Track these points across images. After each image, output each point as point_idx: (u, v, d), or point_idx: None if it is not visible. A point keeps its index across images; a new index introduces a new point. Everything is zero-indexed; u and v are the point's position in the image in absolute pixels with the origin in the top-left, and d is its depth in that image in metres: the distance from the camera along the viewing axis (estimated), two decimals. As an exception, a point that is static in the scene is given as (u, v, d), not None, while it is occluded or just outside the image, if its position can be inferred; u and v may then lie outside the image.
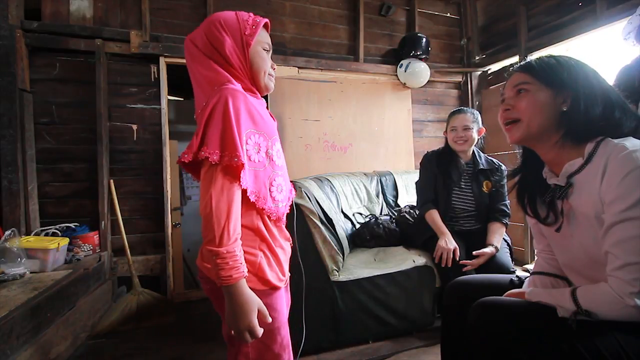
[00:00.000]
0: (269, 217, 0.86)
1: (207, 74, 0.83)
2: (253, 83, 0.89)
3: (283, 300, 0.91)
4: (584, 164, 0.79)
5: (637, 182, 0.68)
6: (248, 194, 0.80)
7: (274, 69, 0.93)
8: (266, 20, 0.90)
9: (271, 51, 0.92)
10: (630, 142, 0.74)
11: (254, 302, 0.77)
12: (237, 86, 0.83)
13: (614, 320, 0.72)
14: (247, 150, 0.80)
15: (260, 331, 0.77)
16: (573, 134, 0.82)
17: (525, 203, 0.96)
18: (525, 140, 0.87)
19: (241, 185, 0.76)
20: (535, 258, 1.08)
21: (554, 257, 0.98)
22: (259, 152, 0.83)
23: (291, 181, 1.00)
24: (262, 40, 0.88)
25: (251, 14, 0.88)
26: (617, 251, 0.71)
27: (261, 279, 0.83)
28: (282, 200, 0.89)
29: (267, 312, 0.79)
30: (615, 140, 0.75)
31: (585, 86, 0.80)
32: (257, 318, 0.77)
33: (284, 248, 0.93)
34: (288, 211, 0.96)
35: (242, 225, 0.81)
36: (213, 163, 0.74)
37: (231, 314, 0.76)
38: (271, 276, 0.85)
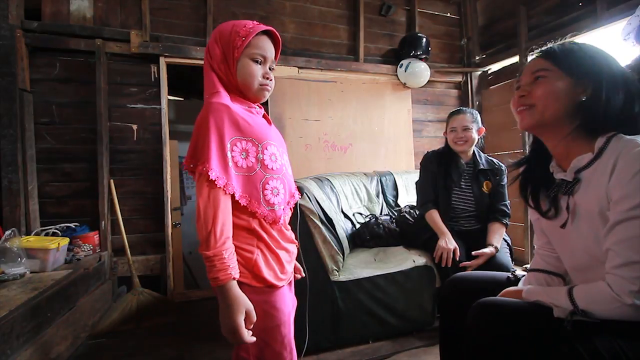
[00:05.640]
0: (265, 219, 0.87)
1: (205, 81, 0.90)
2: (242, 92, 0.91)
3: (285, 300, 0.91)
4: (594, 159, 0.77)
5: None
6: (237, 198, 0.82)
7: (269, 78, 0.91)
8: (264, 28, 0.88)
9: (268, 61, 0.90)
10: None
11: (242, 304, 0.79)
12: (224, 97, 0.86)
13: (610, 319, 0.71)
14: (233, 157, 0.83)
15: (245, 333, 0.79)
16: (588, 126, 0.79)
17: (528, 194, 0.94)
18: (536, 128, 0.85)
19: (226, 192, 0.80)
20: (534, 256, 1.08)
21: (550, 254, 0.98)
22: (247, 158, 0.85)
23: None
24: (253, 51, 0.87)
25: (248, 24, 0.87)
26: (620, 249, 0.70)
27: (256, 277, 0.85)
28: (278, 203, 0.89)
29: (254, 316, 0.81)
30: (628, 137, 0.73)
31: (608, 76, 0.77)
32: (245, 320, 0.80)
33: (287, 249, 0.93)
34: (290, 213, 0.96)
35: (239, 226, 0.85)
36: (196, 172, 0.81)
37: (220, 313, 0.80)
38: (267, 274, 0.85)
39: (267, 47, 0.90)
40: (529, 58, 0.89)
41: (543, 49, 0.86)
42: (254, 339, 0.81)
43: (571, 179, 0.81)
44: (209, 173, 0.78)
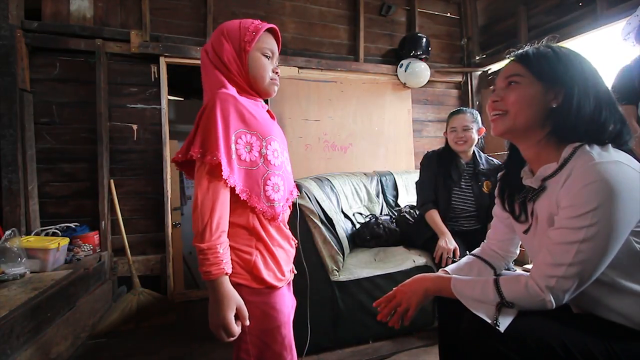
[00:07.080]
0: (263, 215, 0.86)
1: (209, 79, 0.89)
2: (252, 87, 0.91)
3: (284, 300, 0.90)
4: (558, 169, 0.78)
5: (593, 195, 0.68)
6: (237, 192, 0.81)
7: (277, 72, 0.93)
8: (270, 26, 0.91)
9: (275, 57, 0.93)
10: (600, 154, 0.72)
11: (233, 300, 0.78)
12: (231, 90, 0.86)
13: (530, 309, 0.76)
14: (237, 149, 0.82)
15: (236, 330, 0.78)
16: (559, 133, 0.79)
17: (504, 198, 0.95)
18: (508, 134, 0.85)
19: (227, 184, 0.79)
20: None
21: (497, 250, 1.04)
22: (251, 152, 0.85)
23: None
24: (263, 46, 0.89)
25: (255, 21, 0.89)
26: (553, 249, 0.73)
27: (256, 278, 0.84)
28: (278, 200, 0.89)
29: (246, 314, 0.80)
30: (589, 149, 0.74)
31: (581, 83, 0.77)
32: (235, 317, 0.79)
33: (284, 248, 0.93)
34: (288, 211, 0.96)
35: (237, 225, 0.84)
36: (199, 162, 0.79)
37: (210, 308, 0.79)
38: (267, 275, 0.85)
39: (273, 44, 0.93)
40: (526, 47, 0.88)
41: (517, 52, 0.85)
42: (239, 329, 0.80)
43: (537, 186, 0.82)
44: (220, 162, 0.77)
